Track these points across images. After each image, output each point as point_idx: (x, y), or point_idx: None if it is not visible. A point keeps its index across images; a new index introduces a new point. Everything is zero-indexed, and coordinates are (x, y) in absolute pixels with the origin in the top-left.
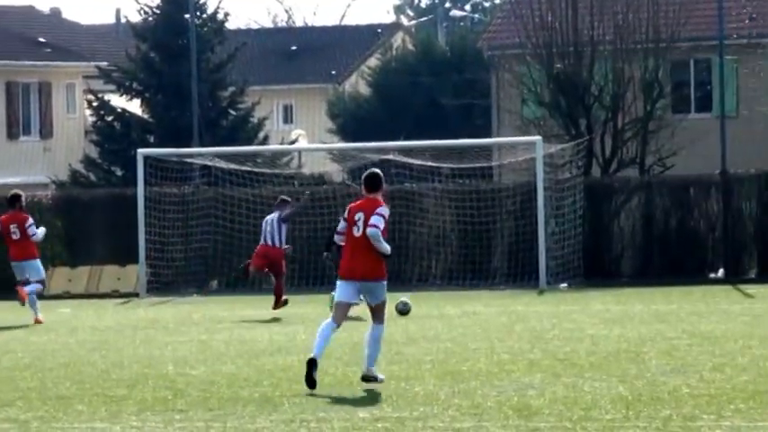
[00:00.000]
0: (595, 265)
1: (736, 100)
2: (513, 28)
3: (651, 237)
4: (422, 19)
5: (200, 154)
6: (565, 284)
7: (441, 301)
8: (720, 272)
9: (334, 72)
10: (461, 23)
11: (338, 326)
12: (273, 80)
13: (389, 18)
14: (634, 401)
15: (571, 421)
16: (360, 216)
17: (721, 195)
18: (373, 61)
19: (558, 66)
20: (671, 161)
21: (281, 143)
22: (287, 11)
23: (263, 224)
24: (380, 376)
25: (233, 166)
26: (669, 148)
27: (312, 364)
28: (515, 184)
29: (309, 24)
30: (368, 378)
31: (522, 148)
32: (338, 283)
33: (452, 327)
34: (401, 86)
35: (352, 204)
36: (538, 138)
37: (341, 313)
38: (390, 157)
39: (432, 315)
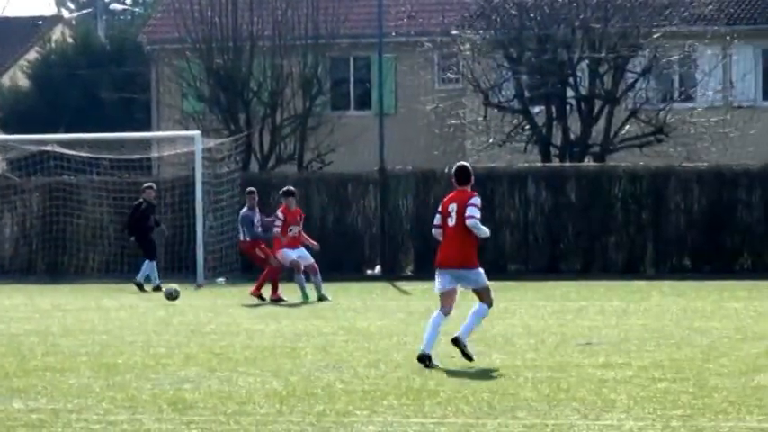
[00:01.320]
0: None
1: (395, 98)
2: (173, 22)
3: (310, 233)
4: (82, 11)
5: None
6: (222, 279)
7: (98, 294)
8: (377, 268)
9: None
10: (122, 17)
11: (447, 315)
12: None
13: (51, 10)
14: (288, 396)
15: (225, 415)
16: (453, 207)
17: (379, 192)
18: (33, 54)
19: (218, 61)
20: (330, 158)
21: None
22: None
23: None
24: (472, 353)
25: None
26: (328, 145)
27: (424, 359)
28: (174, 178)
29: None
30: (458, 343)
31: (182, 142)
32: (436, 272)
33: (109, 319)
34: (60, 80)
35: (445, 198)
36: (197, 132)
37: (447, 301)
38: (49, 148)
39: (89, 307)
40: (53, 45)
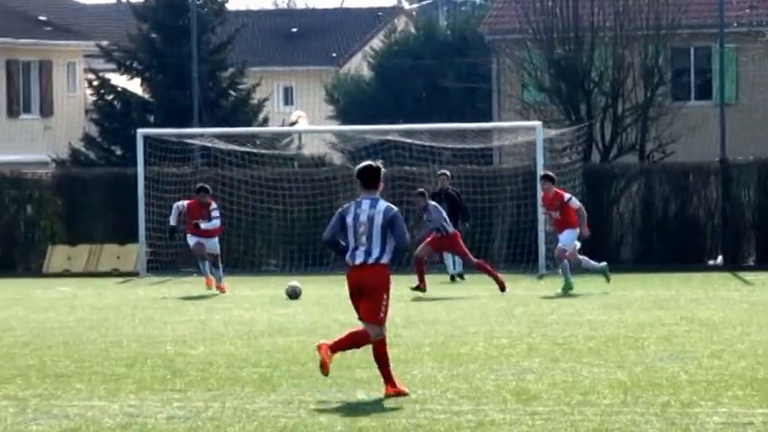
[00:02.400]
0: (595, 251)
1: (736, 87)
2: (514, 13)
3: (650, 223)
4: (423, 2)
5: (200, 134)
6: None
7: (440, 284)
8: (719, 259)
9: (334, 54)
10: (462, 8)
11: None
12: (274, 62)
13: (390, 2)
14: (632, 387)
15: (569, 406)
16: None
17: (720, 182)
18: (376, 44)
19: (559, 51)
20: (670, 148)
21: (281, 125)
22: None
23: None
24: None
25: (232, 146)
26: (669, 135)
27: None
28: (515, 168)
29: (310, 7)
30: None
31: (523, 132)
32: None
33: (452, 310)
34: (403, 69)
35: None
36: (538, 122)
37: None
38: (390, 137)
39: (430, 298)
40: (397, 35)
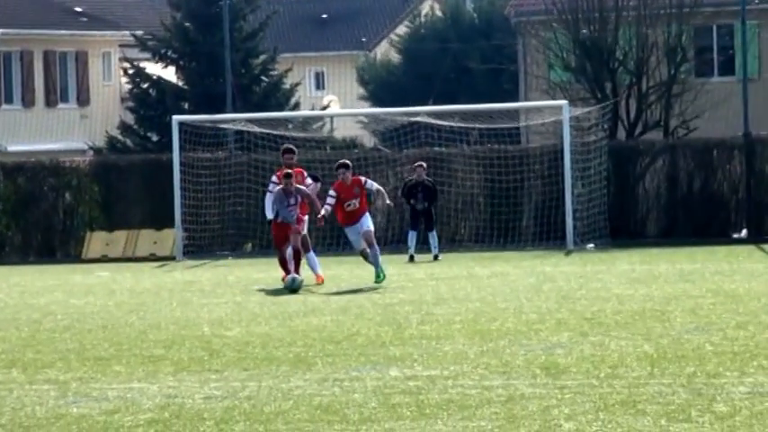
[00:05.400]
0: (621, 226)
1: (758, 63)
2: None
3: (675, 198)
4: None
5: (234, 120)
6: (591, 245)
7: (470, 262)
8: (743, 232)
9: (364, 39)
10: None
11: None
12: (305, 48)
13: None
14: (659, 359)
15: (598, 379)
16: None
17: (744, 157)
18: (402, 29)
19: (584, 31)
20: (694, 124)
21: (313, 109)
22: None
23: None
24: None
25: (266, 131)
26: (692, 111)
27: None
28: (542, 147)
29: None
30: None
31: (549, 111)
32: None
33: (481, 287)
34: (430, 53)
35: None
36: (564, 101)
37: None
38: (419, 119)
39: (461, 276)
40: (423, 19)
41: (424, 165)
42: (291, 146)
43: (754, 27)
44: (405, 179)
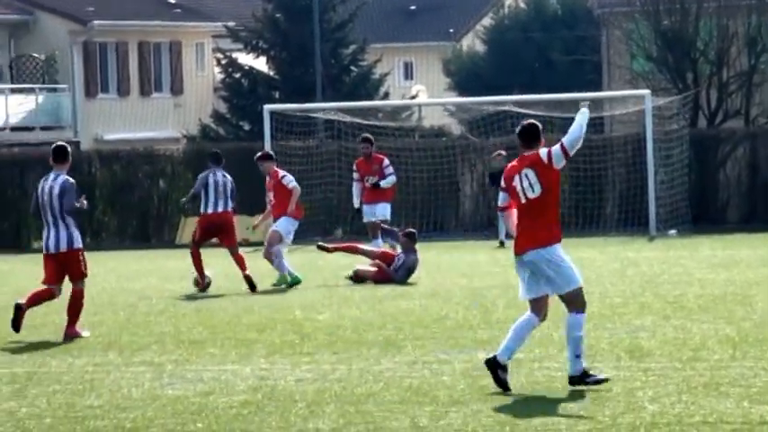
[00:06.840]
0: (702, 213)
1: None
2: None
3: (756, 185)
4: None
5: (324, 109)
6: (674, 231)
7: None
8: None
9: (451, 30)
10: None
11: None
12: (394, 39)
13: None
14: (741, 342)
15: (681, 362)
16: None
17: None
18: (487, 20)
19: (665, 22)
20: None
21: (402, 98)
22: None
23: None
24: None
25: (356, 119)
26: None
27: None
28: (625, 136)
29: None
30: None
31: (632, 100)
32: None
33: None
34: (514, 43)
35: None
36: (646, 91)
37: None
38: (505, 108)
39: None
40: (506, 11)
41: (503, 152)
42: (368, 135)
43: None
44: (489, 167)
